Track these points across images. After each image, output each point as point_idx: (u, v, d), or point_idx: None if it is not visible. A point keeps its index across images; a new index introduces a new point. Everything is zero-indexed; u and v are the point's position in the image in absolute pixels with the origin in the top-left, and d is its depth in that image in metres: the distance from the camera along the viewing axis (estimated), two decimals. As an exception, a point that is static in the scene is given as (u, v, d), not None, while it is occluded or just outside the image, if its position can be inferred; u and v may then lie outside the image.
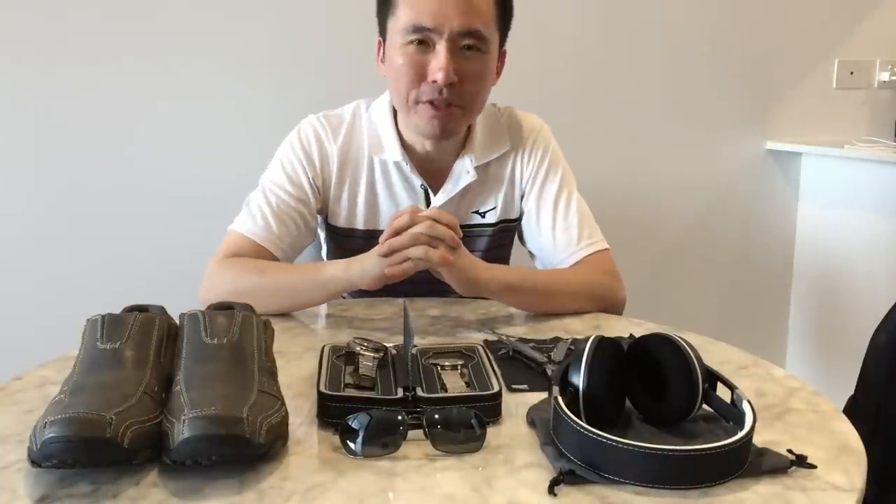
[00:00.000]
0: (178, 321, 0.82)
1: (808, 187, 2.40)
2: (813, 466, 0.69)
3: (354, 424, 0.72)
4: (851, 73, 2.39)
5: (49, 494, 0.65)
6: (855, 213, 2.25)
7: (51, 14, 1.80)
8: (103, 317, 0.78)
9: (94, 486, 0.66)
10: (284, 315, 1.16)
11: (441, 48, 1.15)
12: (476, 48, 1.18)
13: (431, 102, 1.18)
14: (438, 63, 1.15)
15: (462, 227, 1.30)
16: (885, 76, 2.40)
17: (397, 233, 1.06)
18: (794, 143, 2.32)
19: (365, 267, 1.10)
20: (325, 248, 1.42)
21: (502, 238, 1.35)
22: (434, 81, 1.16)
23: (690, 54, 2.24)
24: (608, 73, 2.19)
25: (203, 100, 1.92)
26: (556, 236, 1.29)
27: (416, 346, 0.94)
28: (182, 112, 1.91)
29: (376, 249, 1.08)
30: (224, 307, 0.87)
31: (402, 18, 1.17)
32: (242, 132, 1.92)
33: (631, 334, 1.02)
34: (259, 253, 1.21)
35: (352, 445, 0.72)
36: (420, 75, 1.17)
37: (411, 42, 1.17)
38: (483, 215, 1.33)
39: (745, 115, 2.34)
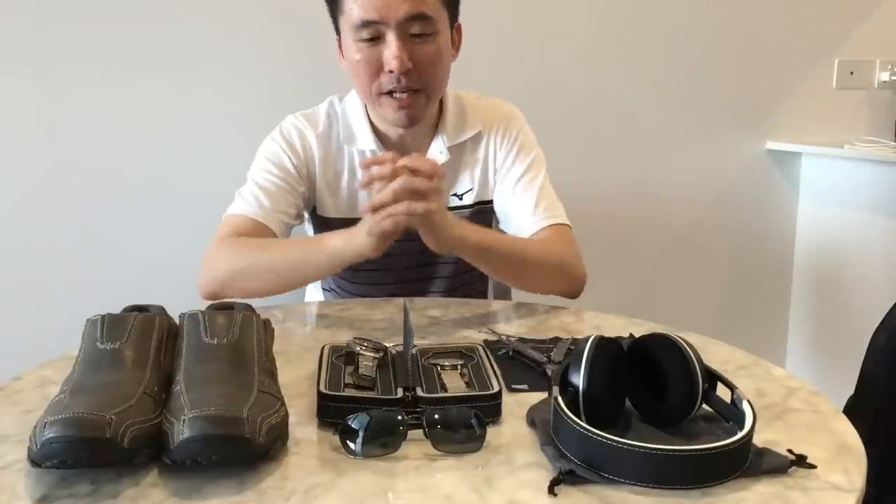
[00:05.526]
0: (178, 321, 0.83)
1: (808, 187, 2.40)
2: (813, 466, 0.69)
3: (354, 424, 0.72)
4: (851, 73, 2.39)
5: (49, 494, 0.65)
6: (855, 213, 2.25)
7: (49, 16, 1.80)
8: (103, 317, 0.78)
9: (94, 486, 0.66)
10: (284, 315, 1.16)
11: (391, 38, 1.18)
12: (425, 33, 1.20)
13: (392, 94, 1.22)
14: (391, 52, 1.18)
15: None
16: (885, 76, 2.40)
17: (375, 179, 1.06)
18: (794, 143, 2.32)
19: (361, 234, 1.09)
20: None
21: (480, 219, 1.36)
22: (390, 71, 1.19)
23: (690, 54, 2.24)
24: (608, 73, 2.19)
25: (204, 100, 1.91)
26: (518, 203, 1.31)
27: (415, 346, 0.94)
28: (182, 112, 1.91)
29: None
30: (224, 307, 0.87)
31: (350, 16, 1.20)
32: (240, 132, 1.91)
33: (631, 334, 1.02)
34: (257, 229, 1.23)
35: (351, 445, 0.72)
36: (377, 68, 1.21)
37: (363, 38, 1.20)
38: (461, 197, 1.36)
39: (745, 115, 2.34)
